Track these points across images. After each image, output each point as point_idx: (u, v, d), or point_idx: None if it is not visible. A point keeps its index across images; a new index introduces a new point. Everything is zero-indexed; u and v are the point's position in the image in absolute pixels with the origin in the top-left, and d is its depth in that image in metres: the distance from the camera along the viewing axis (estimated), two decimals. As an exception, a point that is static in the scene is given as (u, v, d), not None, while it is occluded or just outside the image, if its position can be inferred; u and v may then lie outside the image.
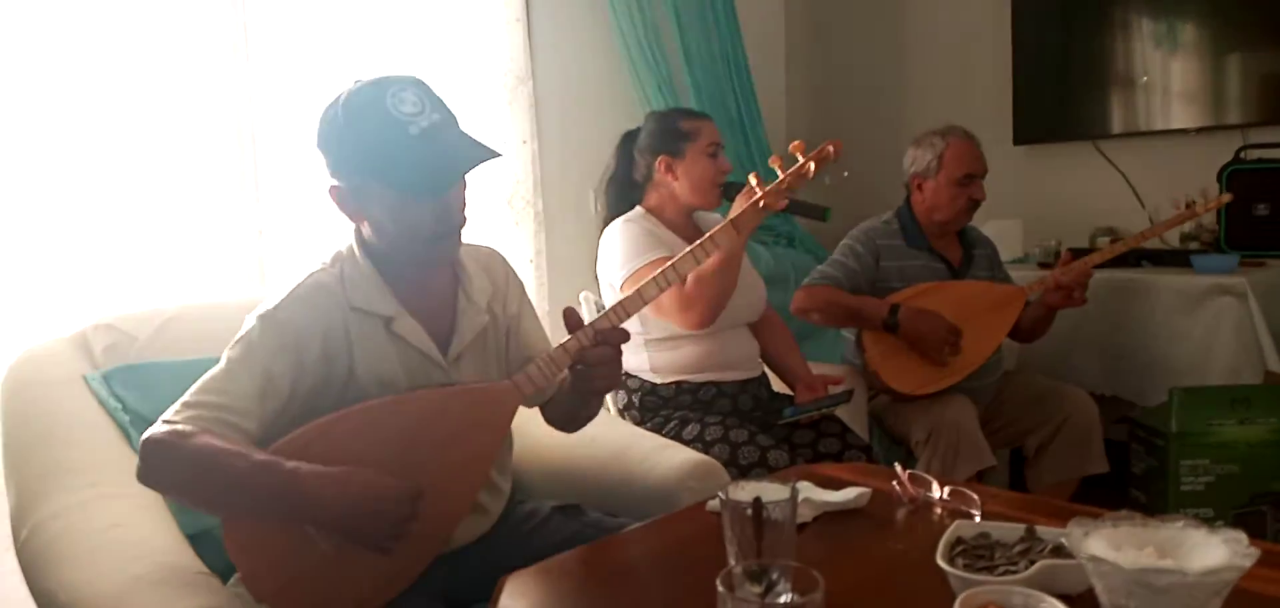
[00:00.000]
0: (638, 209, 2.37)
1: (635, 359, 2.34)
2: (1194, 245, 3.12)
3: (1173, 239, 3.22)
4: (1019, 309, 2.63)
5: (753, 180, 1.62)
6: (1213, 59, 3.19)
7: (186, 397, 1.33)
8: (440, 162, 1.35)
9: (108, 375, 1.76)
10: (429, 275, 1.53)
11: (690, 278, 2.13)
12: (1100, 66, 3.42)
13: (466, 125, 1.42)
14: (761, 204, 1.60)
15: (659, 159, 2.32)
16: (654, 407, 2.33)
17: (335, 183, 1.42)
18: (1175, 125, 3.25)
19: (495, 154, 1.38)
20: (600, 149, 2.54)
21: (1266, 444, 2.52)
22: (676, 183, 2.32)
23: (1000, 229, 3.16)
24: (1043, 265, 3.23)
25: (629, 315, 1.49)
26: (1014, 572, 1.03)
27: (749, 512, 1.04)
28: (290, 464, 1.28)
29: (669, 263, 1.54)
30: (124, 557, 1.42)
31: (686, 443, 2.09)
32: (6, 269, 2.10)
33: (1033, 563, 1.03)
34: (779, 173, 1.58)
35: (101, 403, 1.73)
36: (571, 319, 1.45)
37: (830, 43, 4.15)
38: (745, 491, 1.08)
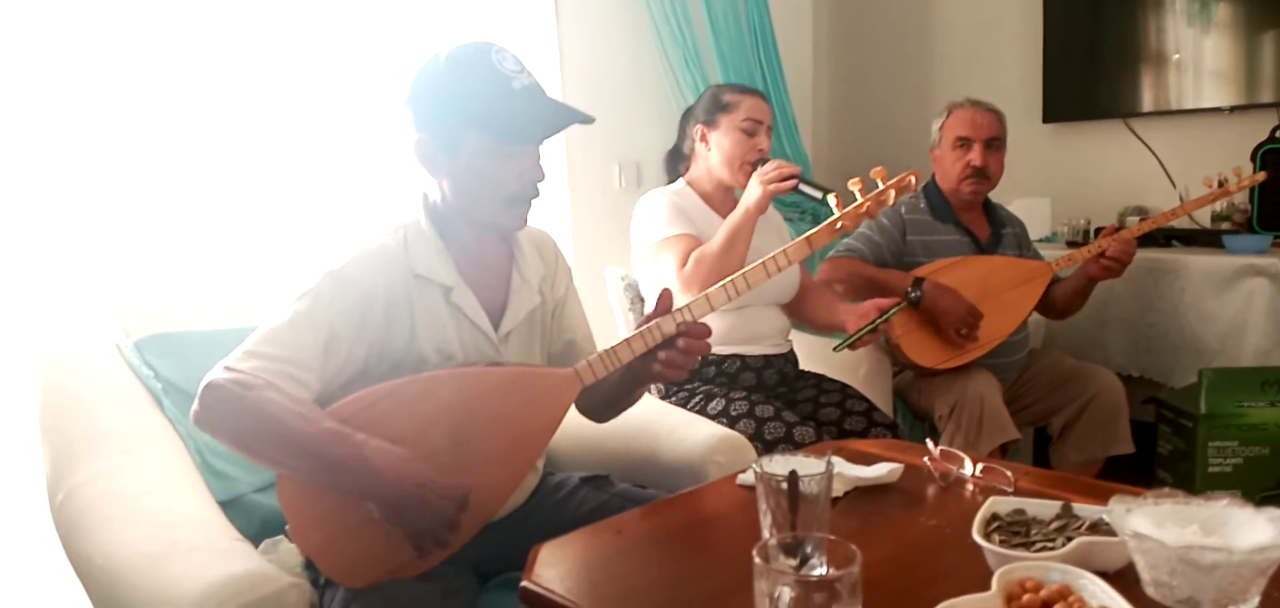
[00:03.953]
0: (678, 181, 2.39)
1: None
2: (1225, 225, 3.08)
3: (1204, 219, 3.18)
4: (1044, 285, 2.61)
5: (833, 202, 1.62)
6: (1246, 37, 3.13)
7: (250, 345, 1.33)
8: (541, 113, 1.43)
9: (140, 344, 1.77)
10: (487, 249, 1.55)
11: (691, 257, 2.12)
12: (1131, 44, 3.37)
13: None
14: (839, 226, 1.59)
15: (696, 128, 2.33)
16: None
17: (421, 136, 1.44)
18: (1207, 104, 3.20)
19: (588, 118, 1.45)
20: (626, 124, 2.54)
21: (1297, 427, 2.50)
22: (710, 154, 2.31)
23: (1028, 207, 3.14)
24: (1071, 244, 3.20)
25: (712, 310, 1.50)
26: (1051, 548, 1.03)
27: (784, 485, 1.04)
28: (360, 436, 1.29)
29: (739, 274, 1.54)
30: (160, 522, 1.44)
31: (711, 417, 2.10)
32: (42, 252, 2.11)
33: (1070, 540, 1.03)
34: (859, 196, 1.58)
35: (134, 371, 1.74)
36: (665, 301, 1.47)
37: (858, 18, 4.11)
38: (779, 464, 1.08)
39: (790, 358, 2.44)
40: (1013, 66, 3.63)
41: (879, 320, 2.05)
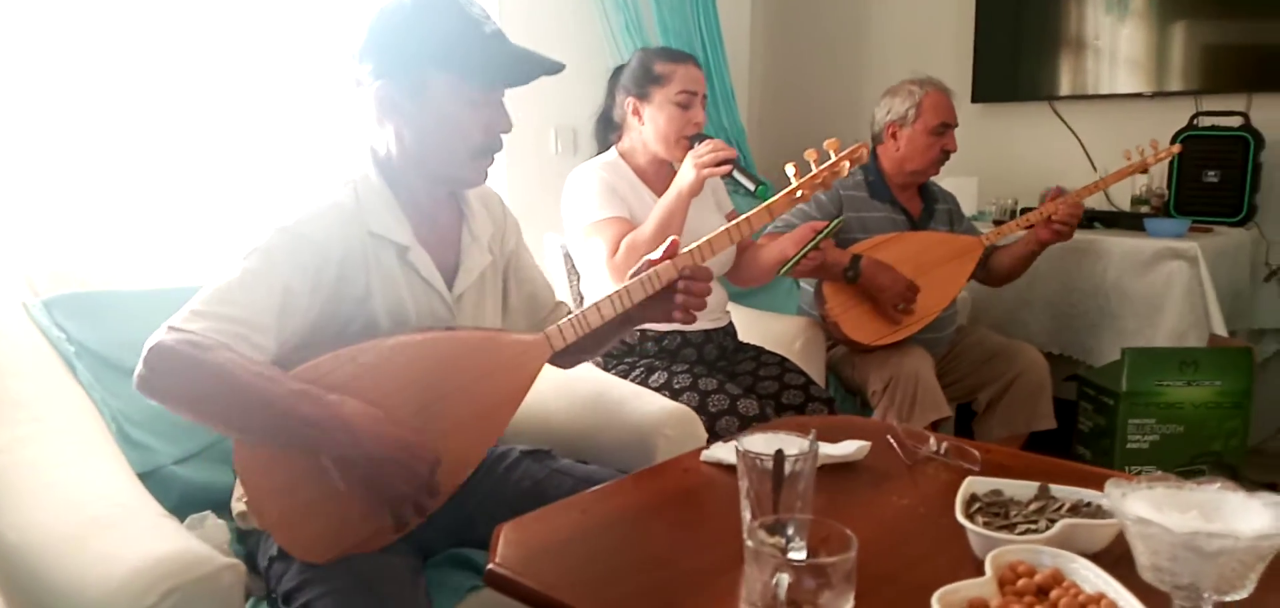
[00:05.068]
0: (610, 152, 2.30)
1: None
2: (1145, 209, 3.18)
3: (1123, 202, 3.27)
4: (976, 259, 2.64)
5: (790, 170, 1.60)
6: (1161, 27, 3.22)
7: (198, 305, 1.22)
8: (512, 58, 1.38)
9: (49, 304, 1.64)
10: (438, 207, 1.48)
11: (623, 244, 2.06)
12: (1056, 28, 3.43)
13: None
14: (798, 194, 1.57)
15: (628, 99, 2.24)
16: (618, 353, 2.28)
17: (381, 82, 1.36)
18: (1128, 89, 3.29)
19: (559, 66, 1.41)
20: (563, 89, 2.46)
21: (1210, 406, 2.59)
22: (643, 128, 2.23)
23: (956, 186, 3.17)
24: (997, 222, 3.25)
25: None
26: (1034, 530, 1.02)
27: (768, 465, 1.01)
28: (333, 396, 1.22)
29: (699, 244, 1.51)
30: (77, 497, 1.34)
31: (654, 390, 2.06)
32: None
33: (1053, 523, 1.02)
34: (813, 166, 1.58)
35: (43, 332, 1.62)
36: (672, 249, 1.47)
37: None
38: (762, 442, 1.04)
39: (729, 331, 2.42)
40: (943, 46, 3.66)
41: (818, 239, 2.05)
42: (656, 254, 1.48)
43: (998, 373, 2.73)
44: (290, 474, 1.25)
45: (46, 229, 1.94)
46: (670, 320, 1.49)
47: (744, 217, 1.54)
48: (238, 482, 1.44)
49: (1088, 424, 2.78)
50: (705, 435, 1.83)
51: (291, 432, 1.21)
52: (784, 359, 2.37)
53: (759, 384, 2.28)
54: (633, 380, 2.16)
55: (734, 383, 2.19)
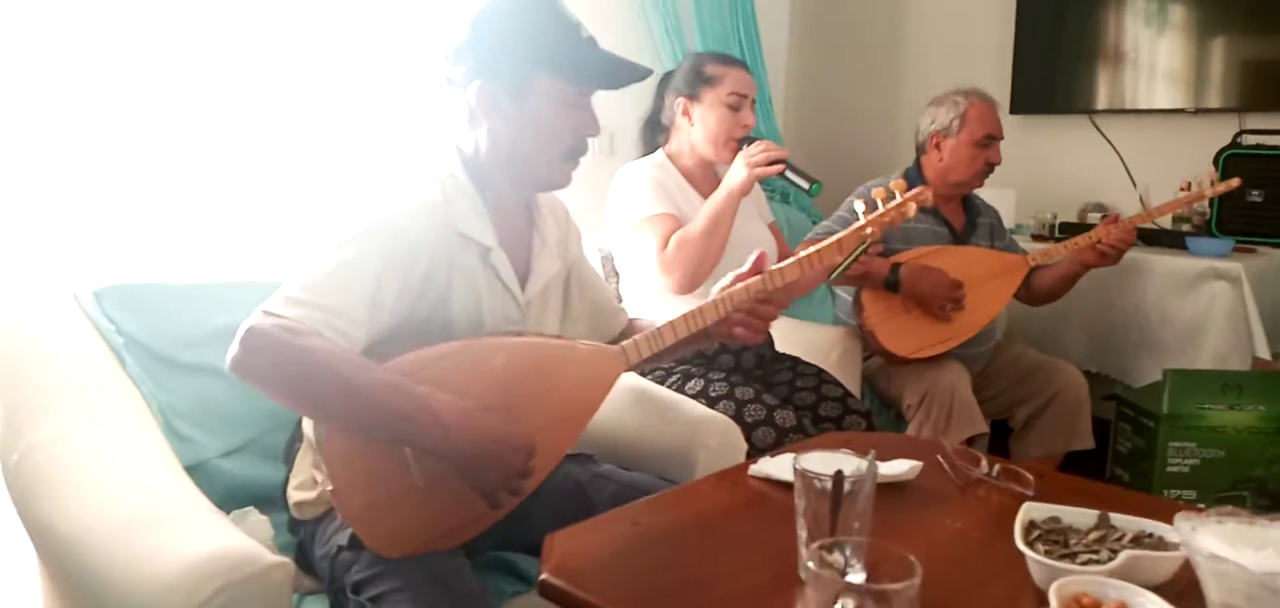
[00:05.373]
0: (657, 153, 2.30)
1: (643, 305, 2.28)
2: (1186, 227, 3.14)
3: (1165, 220, 3.23)
4: (1020, 278, 2.62)
5: (859, 208, 1.64)
6: (1204, 42, 3.18)
7: (292, 292, 1.23)
8: (607, 63, 1.43)
9: (99, 294, 1.65)
10: (516, 209, 1.50)
11: (673, 240, 2.07)
12: (1096, 41, 3.40)
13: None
14: (867, 232, 1.61)
15: (678, 100, 2.25)
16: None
17: (482, 81, 1.39)
18: (1168, 104, 3.25)
19: (648, 71, 1.47)
20: (601, 93, 2.46)
21: (1253, 431, 2.55)
22: (692, 129, 2.24)
23: (994, 198, 3.14)
24: (1036, 237, 3.23)
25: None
26: (1096, 560, 1.00)
27: (827, 485, 1.00)
28: (423, 389, 1.23)
29: (798, 257, 1.55)
30: (127, 488, 1.34)
31: (690, 397, 2.05)
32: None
33: (1115, 554, 1.00)
34: (880, 204, 1.62)
35: (93, 323, 1.62)
36: (760, 262, 1.51)
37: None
38: (819, 461, 1.03)
39: (768, 339, 2.40)
40: (982, 57, 3.63)
41: (866, 246, 2.03)
42: (743, 270, 1.52)
43: (1035, 390, 2.71)
44: (375, 468, 1.25)
45: (97, 221, 1.96)
46: (734, 341, 1.52)
47: (815, 250, 1.56)
48: (293, 472, 1.46)
49: (1126, 446, 2.74)
50: (745, 447, 1.83)
51: (381, 423, 1.22)
52: (821, 370, 2.35)
53: (795, 395, 2.27)
54: (669, 386, 2.15)
55: (771, 393, 2.18)
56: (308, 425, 1.42)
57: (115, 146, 2.07)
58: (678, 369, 2.23)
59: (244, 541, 1.24)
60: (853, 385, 2.60)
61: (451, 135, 1.46)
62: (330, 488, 1.24)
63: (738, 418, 2.05)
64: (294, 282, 1.24)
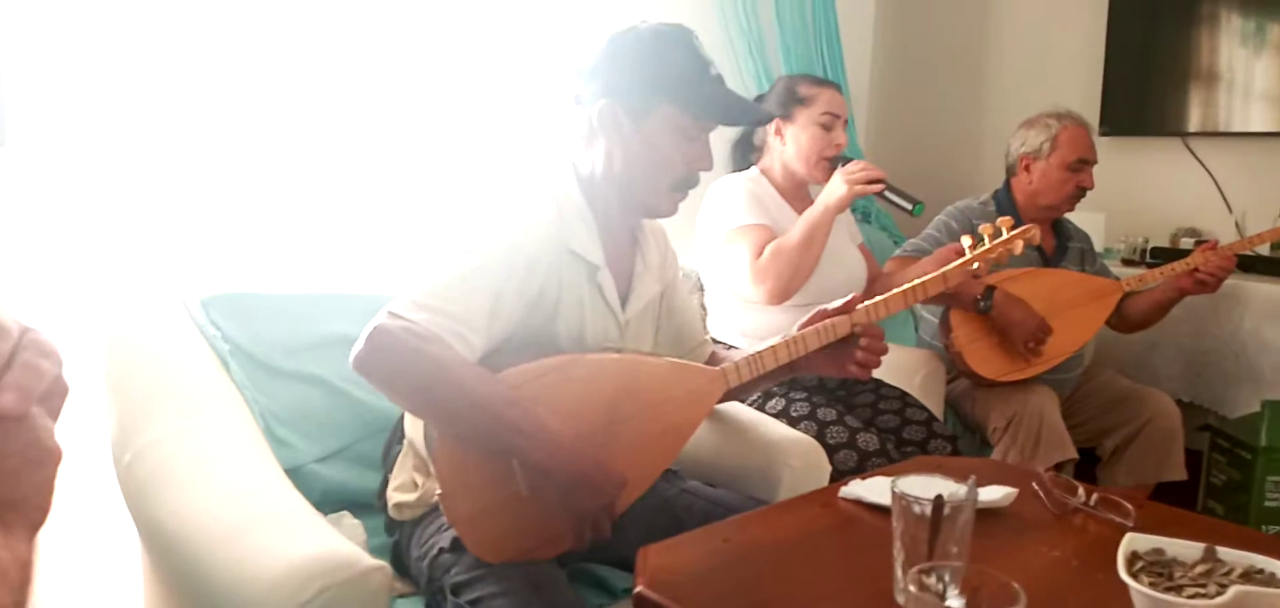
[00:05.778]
0: (752, 169, 2.34)
1: (726, 318, 2.29)
2: (1285, 254, 3.03)
3: (1263, 245, 3.12)
4: (1113, 304, 2.56)
5: (966, 242, 1.67)
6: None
7: (418, 296, 1.28)
8: (730, 102, 1.47)
9: (207, 303, 1.72)
10: (623, 231, 1.53)
11: (768, 249, 2.09)
12: (1188, 61, 3.30)
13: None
14: (975, 266, 1.64)
15: (773, 121, 2.27)
16: (738, 372, 2.28)
17: (609, 101, 1.43)
18: (1263, 127, 3.14)
19: (768, 116, 1.59)
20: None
21: (1357, 466, 2.45)
22: (784, 148, 2.26)
23: (1084, 221, 3.07)
24: (1126, 262, 3.15)
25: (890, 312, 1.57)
26: (1203, 594, 0.98)
27: (926, 511, 0.99)
28: (540, 408, 1.27)
29: (919, 283, 1.61)
30: (232, 489, 1.39)
31: (771, 416, 2.05)
32: (110, 210, 2.02)
33: (1223, 589, 0.98)
34: (986, 240, 1.65)
35: (200, 330, 1.69)
36: (852, 303, 1.54)
37: (919, 19, 4.03)
38: (917, 485, 1.03)
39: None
40: (1070, 75, 3.56)
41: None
42: (833, 305, 1.54)
43: (1126, 418, 2.64)
44: (484, 474, 1.29)
45: (206, 233, 2.04)
46: (842, 373, 1.55)
47: (919, 282, 1.59)
48: (393, 474, 1.50)
49: (1220, 478, 2.66)
50: (829, 469, 1.82)
51: (495, 433, 1.26)
52: (905, 393, 2.33)
53: (878, 417, 2.25)
54: (750, 406, 2.15)
55: (853, 415, 2.17)
56: (412, 430, 1.46)
57: (225, 161, 2.15)
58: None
59: (345, 543, 1.27)
60: (936, 409, 2.57)
61: (568, 154, 1.50)
62: (439, 492, 1.28)
63: (819, 439, 2.03)
64: (419, 286, 1.28)
